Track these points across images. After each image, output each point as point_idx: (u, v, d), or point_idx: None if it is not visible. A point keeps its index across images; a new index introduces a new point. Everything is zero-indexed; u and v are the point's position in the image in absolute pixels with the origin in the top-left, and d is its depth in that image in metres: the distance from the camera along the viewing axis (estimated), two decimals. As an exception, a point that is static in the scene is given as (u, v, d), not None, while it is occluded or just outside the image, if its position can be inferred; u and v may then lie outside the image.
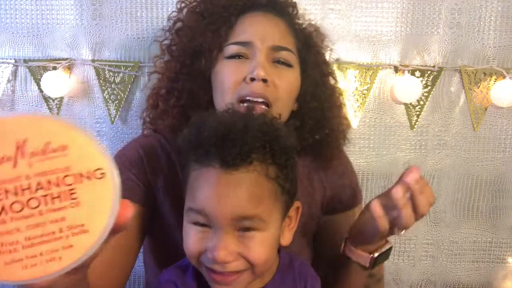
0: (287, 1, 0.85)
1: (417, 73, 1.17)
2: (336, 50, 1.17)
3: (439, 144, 1.22)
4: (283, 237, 0.62)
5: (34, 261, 0.30)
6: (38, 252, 0.30)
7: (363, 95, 1.18)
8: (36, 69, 1.16)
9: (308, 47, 0.83)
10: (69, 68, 1.16)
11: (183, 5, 0.84)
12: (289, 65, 0.76)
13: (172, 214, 0.78)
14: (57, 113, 1.19)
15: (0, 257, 0.30)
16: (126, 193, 0.77)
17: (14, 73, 1.18)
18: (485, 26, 1.17)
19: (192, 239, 0.57)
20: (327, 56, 0.91)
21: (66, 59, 1.16)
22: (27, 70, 1.16)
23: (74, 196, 0.31)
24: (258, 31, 0.76)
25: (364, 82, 1.18)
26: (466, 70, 1.18)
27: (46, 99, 1.17)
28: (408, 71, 1.16)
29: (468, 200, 1.25)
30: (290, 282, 0.64)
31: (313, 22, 0.89)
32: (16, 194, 0.30)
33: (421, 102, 1.19)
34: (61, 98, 1.17)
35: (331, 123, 0.85)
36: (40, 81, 1.14)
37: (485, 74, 1.18)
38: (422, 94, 1.18)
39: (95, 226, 0.31)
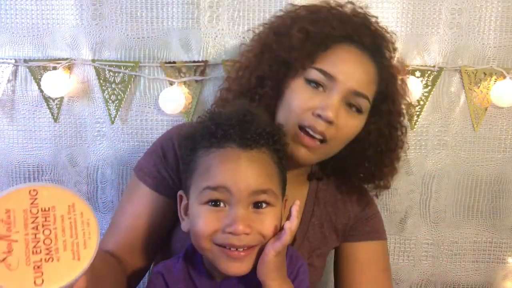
0: (389, 44, 0.84)
1: (417, 73, 1.17)
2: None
3: (439, 144, 1.22)
4: None
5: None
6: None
7: (363, 95, 1.18)
8: (36, 69, 1.16)
9: (386, 96, 0.81)
10: (69, 68, 1.16)
11: (291, 8, 0.83)
12: (360, 111, 0.76)
13: None
14: (57, 113, 1.19)
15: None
16: (160, 187, 0.80)
17: (14, 73, 1.18)
18: (485, 26, 1.17)
19: (207, 218, 0.61)
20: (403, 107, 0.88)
21: (66, 59, 1.16)
22: (27, 70, 1.16)
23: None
24: (347, 69, 0.74)
25: (364, 82, 1.17)
26: (466, 70, 1.18)
27: (46, 99, 1.17)
28: (408, 71, 1.16)
29: (468, 200, 1.25)
30: (287, 265, 0.68)
31: (399, 63, 0.87)
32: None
33: (421, 102, 1.19)
34: (61, 98, 1.18)
35: (382, 170, 0.87)
36: (40, 81, 1.14)
37: (485, 74, 1.18)
38: (422, 94, 1.18)
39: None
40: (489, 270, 1.28)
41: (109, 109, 1.17)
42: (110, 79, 1.16)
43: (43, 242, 0.42)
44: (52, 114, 1.18)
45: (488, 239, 1.27)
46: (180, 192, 0.70)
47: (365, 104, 0.76)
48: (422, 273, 1.28)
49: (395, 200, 1.24)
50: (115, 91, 1.16)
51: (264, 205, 0.62)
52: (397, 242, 1.26)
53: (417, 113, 1.20)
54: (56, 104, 1.18)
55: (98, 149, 1.20)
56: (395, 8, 1.16)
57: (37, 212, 0.42)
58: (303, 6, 0.84)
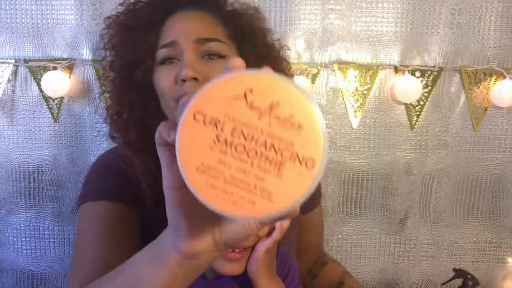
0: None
1: (417, 73, 1.17)
2: (336, 50, 1.18)
3: (439, 144, 1.22)
4: None
5: (227, 196, 0.35)
6: (231, 191, 0.35)
7: (363, 95, 1.18)
8: (36, 69, 1.16)
9: (243, 33, 0.81)
10: (69, 68, 1.16)
11: (110, 20, 0.83)
12: (221, 56, 0.75)
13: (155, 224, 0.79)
14: (57, 113, 1.19)
15: (205, 176, 0.35)
16: (121, 196, 0.75)
17: (14, 73, 1.18)
18: (485, 26, 1.17)
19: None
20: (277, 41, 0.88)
21: (66, 59, 1.16)
22: (27, 70, 1.16)
23: (280, 169, 0.34)
24: (180, 28, 0.75)
25: (364, 82, 1.18)
26: (466, 70, 1.18)
27: (46, 99, 1.17)
28: (408, 71, 1.16)
29: (468, 200, 1.25)
30: (278, 263, 0.68)
31: (250, 5, 0.87)
32: (245, 139, 0.35)
33: (421, 102, 1.19)
34: (61, 98, 1.18)
35: None
36: (40, 81, 1.14)
37: (485, 74, 1.18)
38: (422, 94, 1.18)
39: (278, 201, 0.34)
40: (489, 270, 1.28)
41: (109, 109, 1.17)
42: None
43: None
44: (52, 114, 1.18)
45: (488, 239, 1.27)
46: None
47: (221, 47, 0.75)
48: (422, 273, 1.28)
49: (395, 200, 1.24)
50: (115, 91, 1.16)
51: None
52: (397, 242, 1.26)
53: (417, 113, 1.20)
54: (56, 104, 1.18)
55: (98, 149, 1.20)
56: (395, 8, 1.16)
57: None
58: (117, 14, 0.85)
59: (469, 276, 1.01)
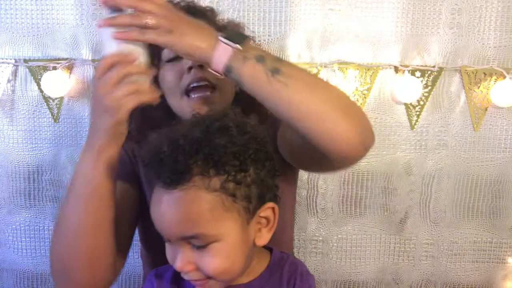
0: (205, 9, 0.86)
1: (417, 73, 1.17)
2: (336, 50, 1.18)
3: (439, 144, 1.22)
4: (259, 238, 0.60)
5: None
6: None
7: (363, 95, 1.18)
8: (36, 69, 1.16)
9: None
10: (69, 68, 1.16)
11: None
12: None
13: None
14: (57, 113, 1.19)
15: None
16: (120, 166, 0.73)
17: (14, 73, 1.18)
18: (485, 26, 1.17)
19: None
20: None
21: (66, 59, 1.16)
22: (27, 70, 1.16)
23: None
24: None
25: (364, 82, 1.18)
26: (466, 70, 1.18)
27: (46, 99, 1.17)
28: (408, 71, 1.16)
29: (468, 200, 1.25)
30: (277, 280, 0.64)
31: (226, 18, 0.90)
32: None
33: (421, 102, 1.19)
34: (61, 98, 1.17)
35: None
36: (40, 81, 1.15)
37: (485, 74, 1.18)
38: (422, 94, 1.18)
39: None
40: (489, 270, 1.28)
41: (109, 109, 1.17)
42: (110, 79, 1.16)
43: None
44: (52, 114, 1.18)
45: (488, 239, 1.27)
46: None
47: None
48: (422, 273, 1.28)
49: (395, 200, 1.24)
50: (115, 91, 1.16)
51: (205, 244, 0.55)
52: (397, 242, 1.26)
53: (417, 113, 1.20)
54: (56, 104, 1.18)
55: (98, 149, 1.20)
56: (395, 8, 1.16)
57: None
58: None
59: None
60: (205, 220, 0.54)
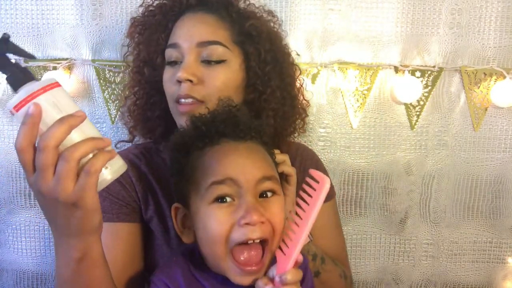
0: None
1: (417, 73, 1.17)
2: (336, 50, 1.18)
3: (439, 144, 1.22)
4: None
5: None
6: None
7: (363, 95, 1.18)
8: (36, 69, 1.16)
9: (249, 36, 0.81)
10: (69, 68, 1.16)
11: (133, 20, 0.88)
12: (219, 61, 0.77)
13: (158, 224, 0.81)
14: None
15: None
16: (121, 216, 0.78)
17: (14, 73, 1.18)
18: (485, 26, 1.17)
19: (219, 217, 0.58)
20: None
21: (66, 59, 1.16)
22: (27, 70, 1.16)
23: None
24: (184, 31, 0.78)
25: (364, 82, 1.18)
26: (466, 70, 1.18)
27: (46, 99, 1.17)
28: (408, 71, 1.16)
29: (468, 200, 1.25)
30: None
31: (265, 8, 0.88)
32: None
33: (421, 102, 1.19)
34: (61, 98, 1.18)
35: (278, 112, 0.83)
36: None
37: (485, 74, 1.18)
38: (422, 94, 1.18)
39: None
40: (489, 270, 1.28)
41: (109, 109, 1.17)
42: (110, 79, 1.16)
43: None
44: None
45: (488, 239, 1.27)
46: (175, 205, 0.66)
47: (219, 50, 0.77)
48: (422, 273, 1.28)
49: (395, 200, 1.24)
50: (115, 91, 1.16)
51: (269, 194, 0.61)
52: (397, 242, 1.26)
53: (417, 113, 1.20)
54: (56, 104, 1.18)
55: (98, 149, 1.20)
56: (395, 8, 1.16)
57: None
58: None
59: None
60: (274, 169, 0.65)
